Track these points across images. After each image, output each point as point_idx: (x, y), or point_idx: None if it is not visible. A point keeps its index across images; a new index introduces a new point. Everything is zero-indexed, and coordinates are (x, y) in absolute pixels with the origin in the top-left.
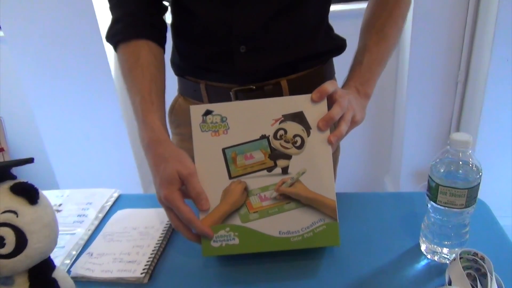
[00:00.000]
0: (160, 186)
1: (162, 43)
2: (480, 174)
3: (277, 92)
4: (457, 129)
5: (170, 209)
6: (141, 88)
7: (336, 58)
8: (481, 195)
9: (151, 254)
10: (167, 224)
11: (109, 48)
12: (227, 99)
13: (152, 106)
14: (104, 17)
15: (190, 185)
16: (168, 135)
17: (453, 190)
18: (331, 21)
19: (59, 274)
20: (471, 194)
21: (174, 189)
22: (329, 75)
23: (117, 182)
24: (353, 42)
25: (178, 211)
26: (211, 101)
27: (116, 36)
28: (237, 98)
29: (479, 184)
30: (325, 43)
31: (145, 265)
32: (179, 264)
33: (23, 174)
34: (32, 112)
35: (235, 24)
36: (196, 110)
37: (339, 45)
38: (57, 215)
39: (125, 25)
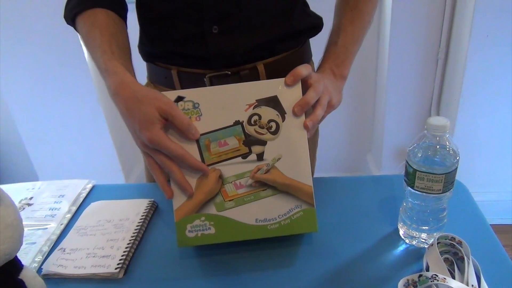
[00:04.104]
0: (140, 130)
1: (121, 14)
2: (458, 158)
3: (254, 77)
4: (438, 105)
5: (150, 155)
6: (100, 44)
7: (312, 41)
8: (461, 171)
9: (126, 247)
10: (142, 216)
11: None
12: (201, 85)
13: (113, 55)
14: None
15: (176, 119)
16: (135, 78)
17: (431, 175)
18: None
19: (28, 274)
20: (448, 179)
21: (158, 128)
22: (307, 57)
23: (98, 170)
24: (330, 20)
25: (169, 150)
26: (183, 88)
27: (72, 11)
28: (212, 84)
29: (456, 168)
30: (301, 20)
31: (120, 260)
32: (155, 257)
33: (0, 166)
34: (6, 102)
35: (206, 2)
36: (167, 97)
37: (316, 24)
38: (28, 209)
39: None
